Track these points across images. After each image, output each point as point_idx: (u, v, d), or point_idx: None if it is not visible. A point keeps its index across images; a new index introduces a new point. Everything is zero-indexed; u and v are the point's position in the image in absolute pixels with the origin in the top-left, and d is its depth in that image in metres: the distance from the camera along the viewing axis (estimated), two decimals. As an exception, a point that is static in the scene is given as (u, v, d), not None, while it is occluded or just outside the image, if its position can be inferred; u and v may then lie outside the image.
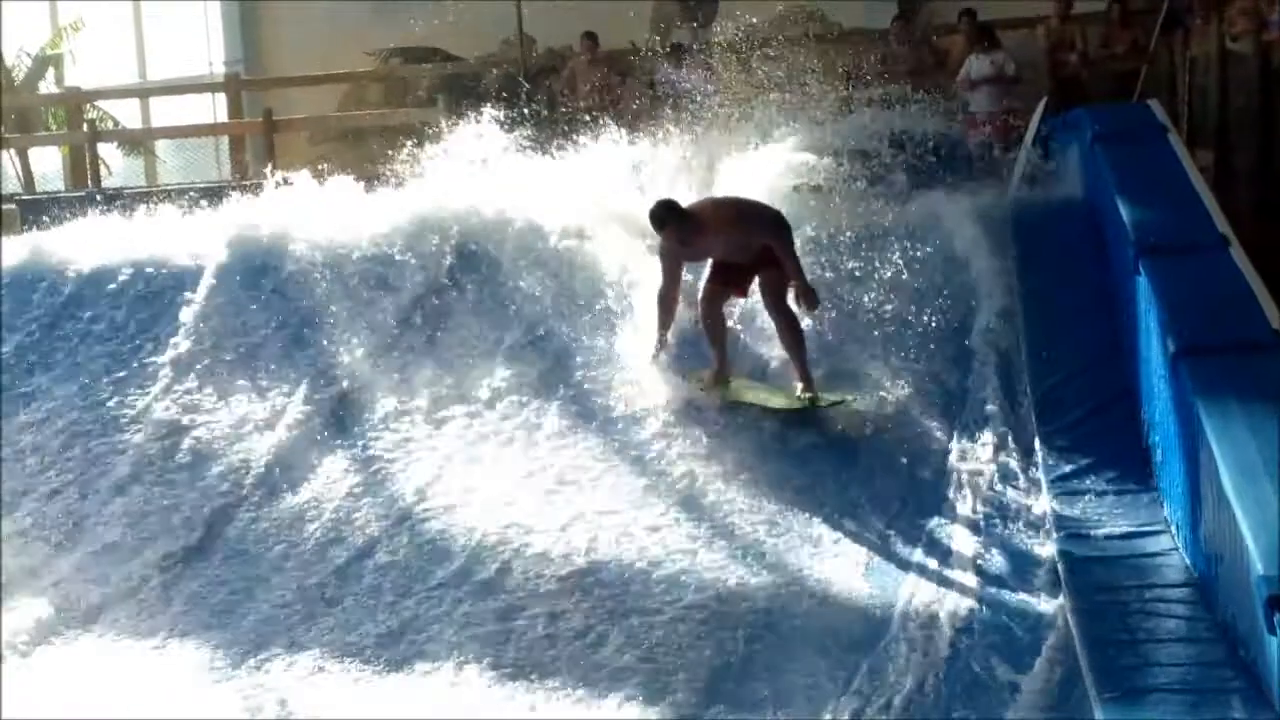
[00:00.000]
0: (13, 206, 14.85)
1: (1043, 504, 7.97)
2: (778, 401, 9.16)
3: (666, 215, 9.29)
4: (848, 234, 10.64)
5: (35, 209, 14.25)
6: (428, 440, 9.67)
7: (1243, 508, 5.68)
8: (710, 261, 9.47)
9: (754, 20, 14.40)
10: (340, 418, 10.08)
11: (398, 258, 11.44)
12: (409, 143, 13.06)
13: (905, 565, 7.64)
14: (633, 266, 10.69)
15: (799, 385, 9.15)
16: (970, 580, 7.38)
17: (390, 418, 9.96)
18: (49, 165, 19.81)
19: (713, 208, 9.46)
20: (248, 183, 13.06)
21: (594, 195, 11.50)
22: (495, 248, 11.37)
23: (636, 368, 9.60)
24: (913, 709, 6.29)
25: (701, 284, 9.49)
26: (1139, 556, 7.21)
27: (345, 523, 8.92)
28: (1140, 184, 8.91)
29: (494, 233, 11.47)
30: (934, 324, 9.80)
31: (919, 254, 10.37)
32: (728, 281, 9.43)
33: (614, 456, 9.12)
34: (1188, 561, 7.00)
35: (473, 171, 12.33)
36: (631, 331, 9.86)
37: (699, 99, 12.99)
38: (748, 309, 9.98)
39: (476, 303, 10.94)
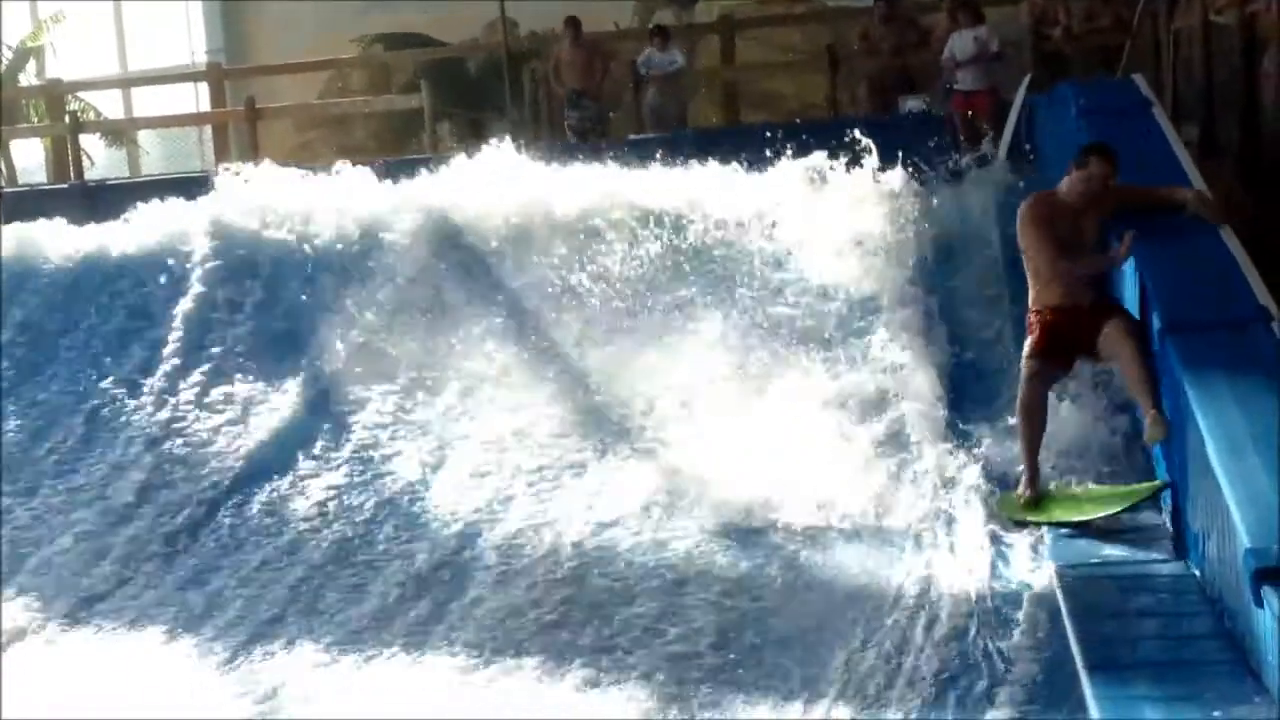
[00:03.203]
0: (-4, 199, 14.80)
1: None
2: (1128, 499, 7.41)
3: (1110, 150, 7.75)
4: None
5: (17, 202, 14.18)
6: (417, 431, 9.70)
7: (1229, 481, 5.68)
8: (1037, 331, 7.62)
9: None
10: (330, 408, 10.11)
11: (386, 246, 11.48)
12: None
13: (894, 543, 7.65)
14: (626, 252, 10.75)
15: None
16: (958, 555, 7.38)
17: (380, 408, 9.99)
18: (31, 158, 19.75)
19: None
20: (232, 170, 13.01)
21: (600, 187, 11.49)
22: (485, 236, 11.39)
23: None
24: (902, 683, 6.30)
25: (1024, 360, 7.69)
26: (1127, 531, 7.22)
27: (335, 513, 8.95)
28: (1125, 159, 8.88)
29: (484, 221, 11.48)
30: (921, 301, 9.86)
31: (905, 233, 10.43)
32: (1070, 346, 7.57)
33: (607, 445, 9.13)
34: (1175, 535, 7.01)
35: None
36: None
37: None
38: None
39: (467, 292, 10.97)
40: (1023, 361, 7.68)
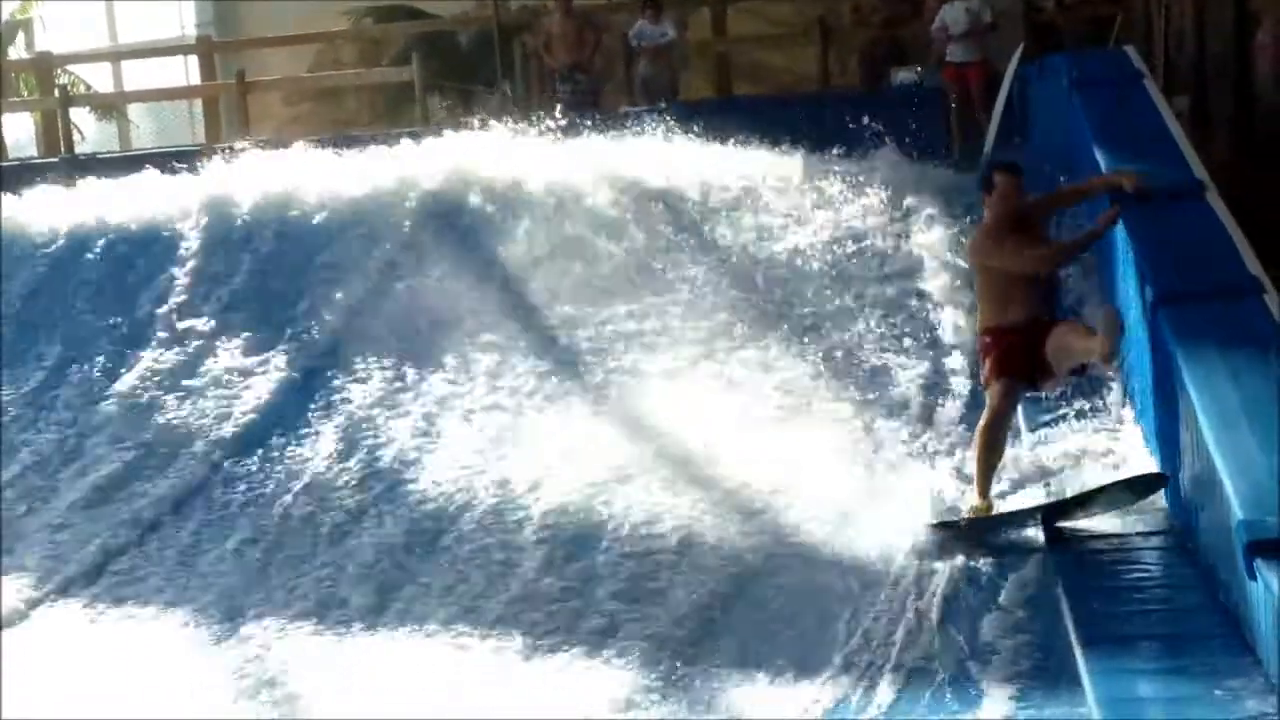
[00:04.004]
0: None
1: (1023, 452, 7.98)
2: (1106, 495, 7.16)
3: (1009, 165, 7.55)
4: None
5: (9, 176, 14.15)
6: (409, 399, 9.71)
7: (1222, 454, 5.68)
8: (995, 353, 7.29)
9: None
10: (322, 378, 10.12)
11: (377, 216, 11.47)
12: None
13: (886, 518, 7.64)
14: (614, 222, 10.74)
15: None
16: (953, 530, 7.37)
17: (369, 379, 9.99)
18: (21, 132, 19.67)
19: None
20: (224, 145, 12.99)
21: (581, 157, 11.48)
22: (475, 205, 11.37)
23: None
24: (895, 660, 6.32)
25: (989, 383, 7.35)
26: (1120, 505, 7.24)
27: (328, 481, 8.98)
28: (1117, 130, 8.88)
29: (474, 190, 11.47)
30: (905, 274, 9.88)
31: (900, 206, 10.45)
32: (1029, 361, 7.22)
33: (603, 414, 9.14)
34: (1168, 508, 7.02)
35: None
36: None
37: None
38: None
39: (455, 260, 10.96)
40: (987, 386, 7.34)
